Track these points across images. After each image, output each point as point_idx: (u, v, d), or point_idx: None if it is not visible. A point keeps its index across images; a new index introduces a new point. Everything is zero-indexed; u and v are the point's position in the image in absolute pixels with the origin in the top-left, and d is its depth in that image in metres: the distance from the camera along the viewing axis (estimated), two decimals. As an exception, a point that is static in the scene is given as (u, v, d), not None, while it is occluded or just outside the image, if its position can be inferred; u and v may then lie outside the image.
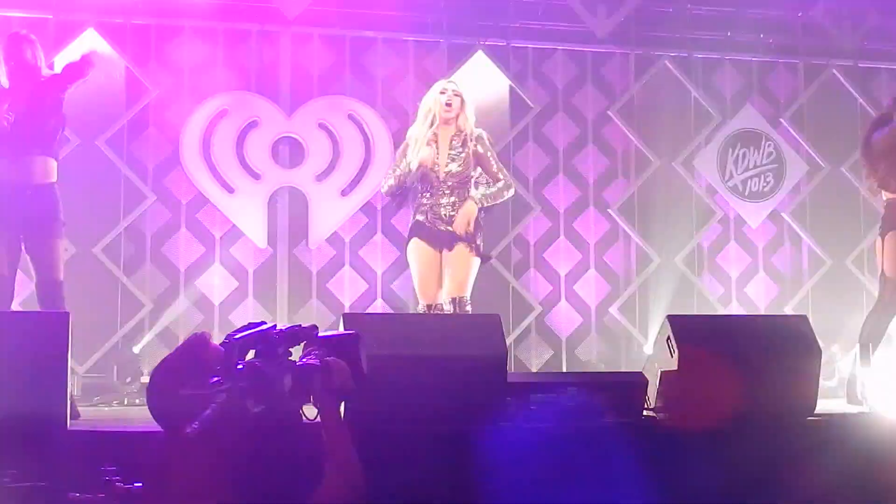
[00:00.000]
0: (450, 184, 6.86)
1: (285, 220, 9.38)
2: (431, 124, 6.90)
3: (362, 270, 9.52)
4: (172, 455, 2.95)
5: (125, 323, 8.88)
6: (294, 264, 9.37)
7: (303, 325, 3.17)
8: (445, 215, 6.84)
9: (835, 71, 10.64)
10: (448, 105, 6.89)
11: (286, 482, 3.04)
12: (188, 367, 3.05)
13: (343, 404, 3.86)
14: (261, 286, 9.29)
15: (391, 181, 6.99)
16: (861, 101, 10.62)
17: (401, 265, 9.46)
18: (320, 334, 3.20)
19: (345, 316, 5.29)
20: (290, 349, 3.10)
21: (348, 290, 9.46)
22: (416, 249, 6.91)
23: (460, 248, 6.82)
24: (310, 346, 3.11)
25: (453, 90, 6.97)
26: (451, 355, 5.15)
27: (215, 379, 2.93)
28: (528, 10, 10.02)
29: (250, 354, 3.07)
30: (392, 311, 9.23)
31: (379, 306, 9.41)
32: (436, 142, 6.90)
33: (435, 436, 4.90)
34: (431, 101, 6.95)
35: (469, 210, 6.82)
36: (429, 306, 6.86)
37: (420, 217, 6.91)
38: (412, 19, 9.77)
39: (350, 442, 3.13)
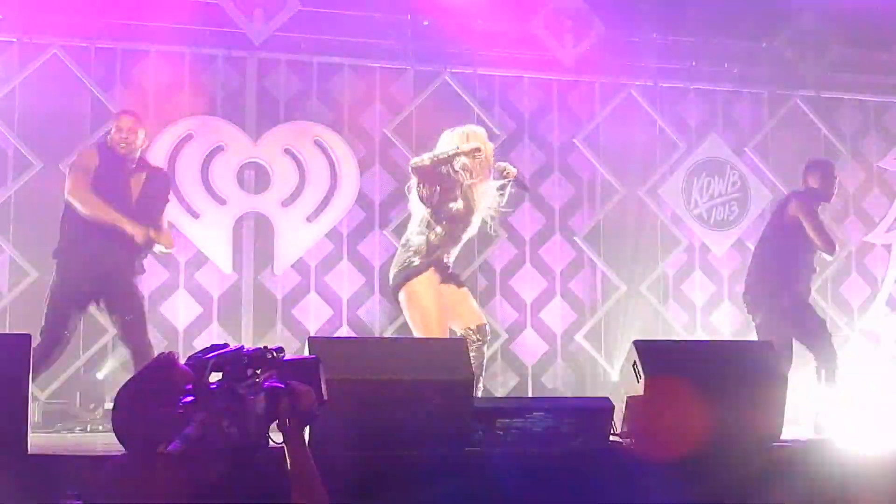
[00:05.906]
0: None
1: (251, 245, 9.32)
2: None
3: (328, 296, 9.47)
4: (146, 475, 2.90)
5: (88, 348, 8.76)
6: (259, 290, 9.30)
7: (269, 347, 3.15)
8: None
9: (798, 101, 10.73)
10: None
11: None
12: (157, 387, 3.01)
13: (308, 428, 3.84)
14: (225, 312, 9.20)
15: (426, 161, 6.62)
16: (825, 130, 10.72)
17: (366, 291, 9.44)
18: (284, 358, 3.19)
19: (310, 340, 5.25)
20: (257, 371, 3.08)
21: (314, 316, 9.40)
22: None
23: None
24: (270, 370, 3.09)
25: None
26: (418, 380, 5.13)
27: (189, 398, 2.89)
28: (495, 38, 10.04)
29: (216, 376, 3.04)
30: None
31: (345, 332, 9.33)
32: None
33: (401, 461, 4.87)
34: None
35: None
36: None
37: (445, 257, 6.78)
38: (379, 46, 9.77)
39: (314, 466, 3.11)
